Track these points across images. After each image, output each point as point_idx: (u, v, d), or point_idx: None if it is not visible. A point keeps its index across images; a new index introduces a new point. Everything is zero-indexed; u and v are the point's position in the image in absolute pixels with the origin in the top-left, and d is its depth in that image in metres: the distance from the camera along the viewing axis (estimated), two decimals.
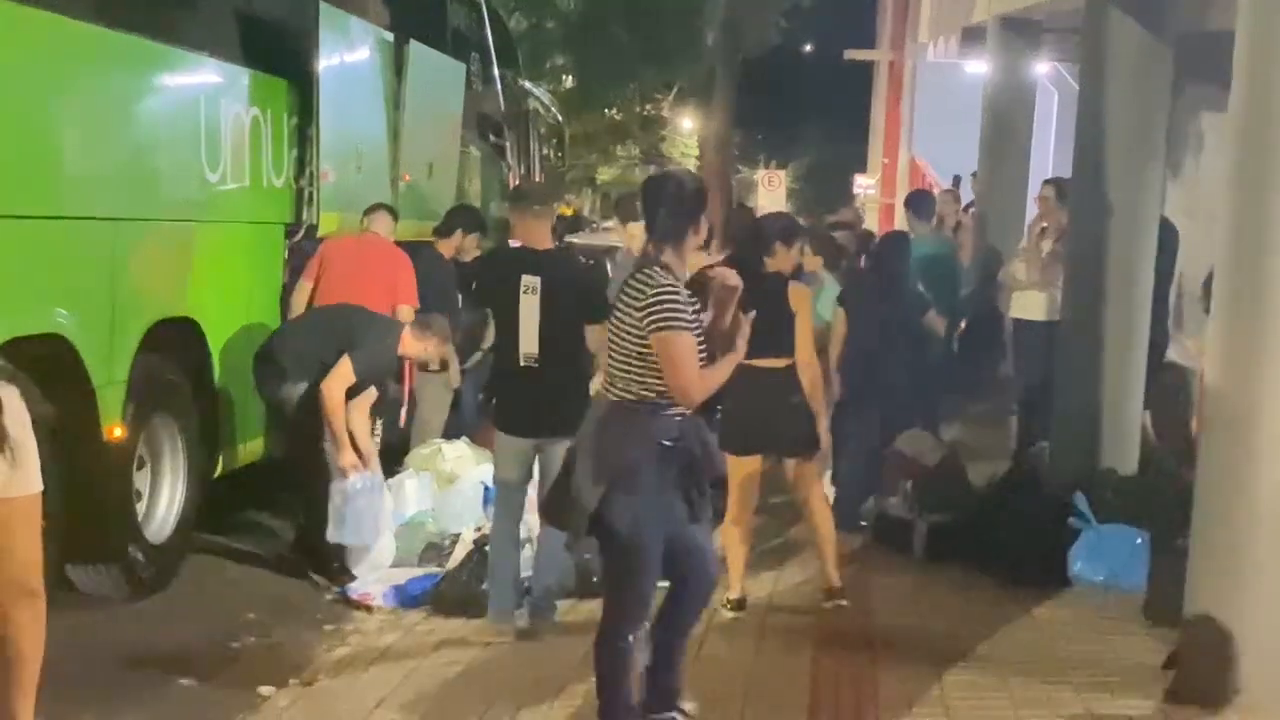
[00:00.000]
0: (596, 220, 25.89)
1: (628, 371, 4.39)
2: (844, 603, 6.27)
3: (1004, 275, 9.74)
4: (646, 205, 4.57)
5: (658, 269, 4.41)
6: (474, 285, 6.17)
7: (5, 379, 2.42)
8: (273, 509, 7.76)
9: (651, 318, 4.31)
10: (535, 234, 5.97)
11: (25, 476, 2.37)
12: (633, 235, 7.60)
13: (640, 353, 4.35)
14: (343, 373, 6.53)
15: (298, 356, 6.73)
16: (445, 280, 8.34)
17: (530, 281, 5.77)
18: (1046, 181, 9.76)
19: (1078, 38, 9.48)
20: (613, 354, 4.45)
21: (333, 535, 6.58)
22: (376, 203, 8.03)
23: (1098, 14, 7.66)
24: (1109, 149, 7.49)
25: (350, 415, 6.65)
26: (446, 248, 8.63)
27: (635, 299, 4.37)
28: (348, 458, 6.55)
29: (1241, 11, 5.08)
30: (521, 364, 5.77)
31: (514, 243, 6.53)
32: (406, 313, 7.53)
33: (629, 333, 4.37)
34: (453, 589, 6.28)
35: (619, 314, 4.44)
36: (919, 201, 10.38)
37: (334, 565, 6.69)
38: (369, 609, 6.33)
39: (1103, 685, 5.29)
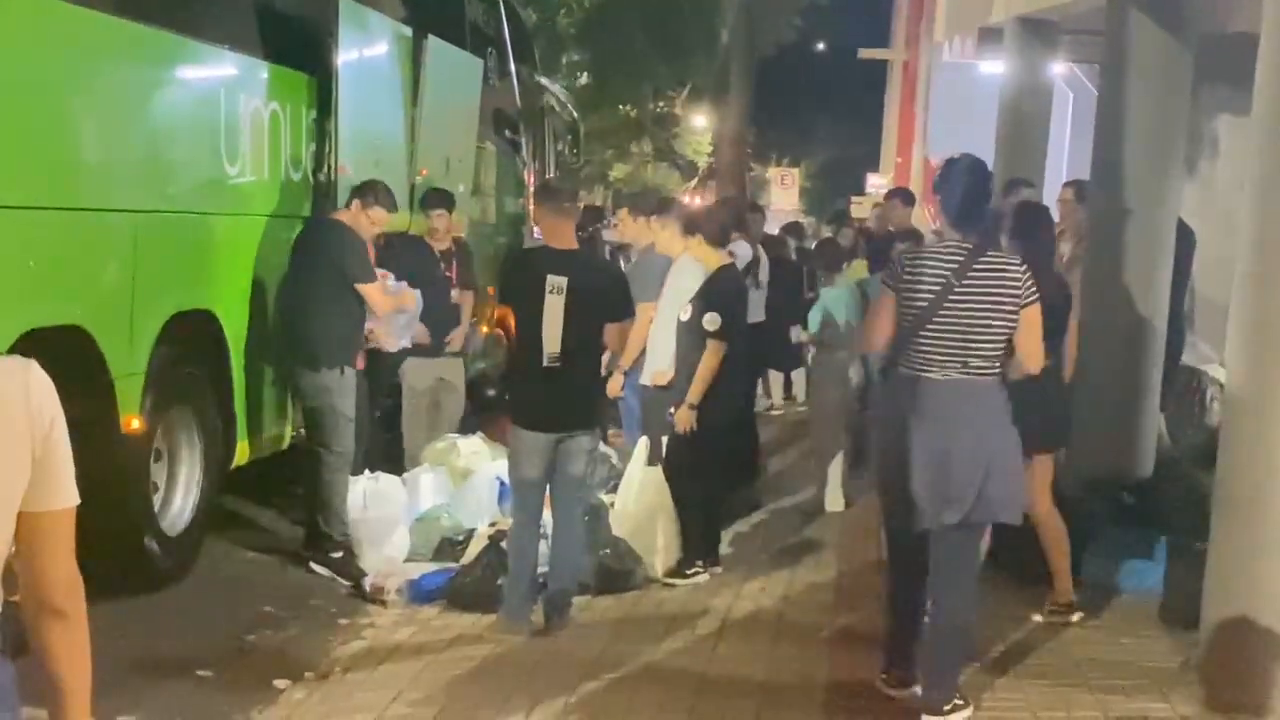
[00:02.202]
0: (609, 216, 26.00)
1: (995, 348, 4.59)
2: (1074, 619, 6.07)
3: None
4: (947, 190, 4.76)
5: (992, 250, 4.67)
6: (500, 283, 6.16)
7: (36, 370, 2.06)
8: (288, 501, 7.77)
9: (1030, 292, 4.58)
10: (561, 233, 5.96)
11: (57, 488, 2.05)
12: (652, 229, 7.62)
13: (1008, 330, 4.58)
14: (373, 293, 6.94)
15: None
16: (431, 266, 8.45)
17: (556, 282, 5.75)
18: (1067, 184, 9.70)
19: (1097, 39, 9.45)
20: (971, 336, 4.57)
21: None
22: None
23: (1119, 15, 7.63)
24: (1128, 151, 7.46)
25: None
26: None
27: (1007, 280, 4.58)
28: (406, 294, 7.36)
29: (1269, 14, 5.05)
30: (546, 364, 5.76)
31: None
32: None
33: (1001, 312, 4.56)
34: (468, 584, 6.29)
35: (980, 296, 4.57)
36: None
37: (336, 556, 6.70)
38: (384, 603, 6.34)
39: (1119, 688, 5.27)
